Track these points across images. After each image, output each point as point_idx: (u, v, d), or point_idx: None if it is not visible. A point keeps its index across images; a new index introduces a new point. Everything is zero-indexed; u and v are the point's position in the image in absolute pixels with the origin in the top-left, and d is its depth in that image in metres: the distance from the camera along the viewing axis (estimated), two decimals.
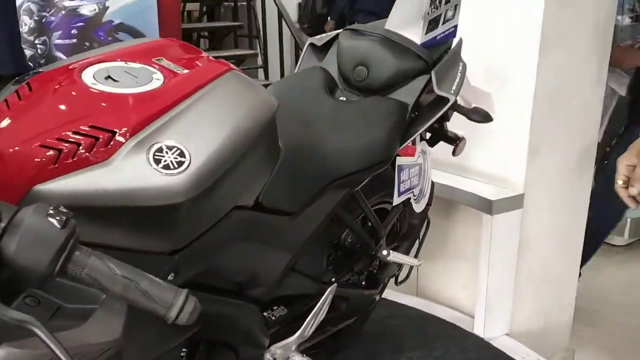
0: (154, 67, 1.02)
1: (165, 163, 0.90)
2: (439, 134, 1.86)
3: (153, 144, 0.91)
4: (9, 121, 0.90)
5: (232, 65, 1.10)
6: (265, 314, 1.46)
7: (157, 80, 0.99)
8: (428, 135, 1.88)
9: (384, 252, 1.63)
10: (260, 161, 1.14)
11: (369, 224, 1.62)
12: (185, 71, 1.04)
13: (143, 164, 0.89)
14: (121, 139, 0.89)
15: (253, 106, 1.08)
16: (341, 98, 1.56)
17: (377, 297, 1.86)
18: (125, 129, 0.89)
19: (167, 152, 0.91)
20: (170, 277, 0.99)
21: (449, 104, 1.55)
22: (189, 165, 0.92)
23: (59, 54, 3.98)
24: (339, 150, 1.39)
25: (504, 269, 2.22)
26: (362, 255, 1.65)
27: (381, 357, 2.06)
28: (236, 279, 1.25)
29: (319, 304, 1.50)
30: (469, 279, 2.34)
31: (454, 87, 1.57)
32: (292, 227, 1.31)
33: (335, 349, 1.96)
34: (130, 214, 0.89)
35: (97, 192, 0.86)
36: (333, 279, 1.58)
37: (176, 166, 0.91)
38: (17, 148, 0.86)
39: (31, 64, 3.39)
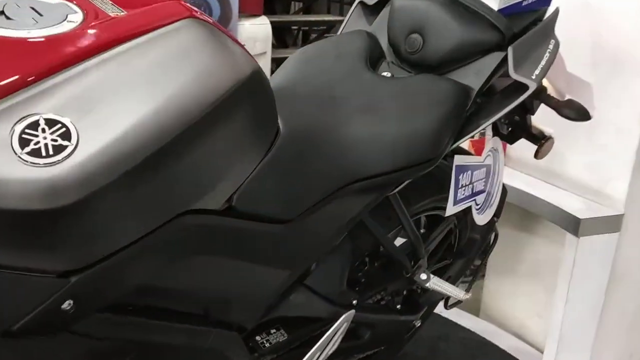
0: (75, 4, 0.72)
1: (36, 147, 0.60)
2: (521, 130, 1.47)
3: (24, 117, 0.61)
4: None
5: (196, 11, 0.78)
6: (257, 337, 1.16)
7: (69, 22, 0.69)
8: (506, 128, 1.50)
9: (423, 276, 1.27)
10: (230, 149, 0.82)
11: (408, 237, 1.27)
12: (122, 13, 0.73)
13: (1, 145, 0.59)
14: None
15: (212, 69, 0.76)
16: (385, 73, 1.21)
17: (418, 324, 1.50)
18: None
19: (43, 130, 0.61)
20: (66, 306, 0.69)
21: (527, 93, 1.17)
22: (72, 151, 0.62)
23: None
24: (367, 142, 1.05)
25: (588, 301, 1.80)
26: (393, 277, 1.31)
27: None
28: (205, 302, 0.95)
29: (329, 332, 1.18)
30: (544, 307, 1.94)
31: (536, 71, 1.17)
32: (291, 238, 0.99)
33: None
34: None
35: None
36: (354, 302, 1.25)
37: (51, 152, 0.60)
38: None
39: None
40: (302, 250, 1.03)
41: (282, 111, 0.98)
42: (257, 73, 0.83)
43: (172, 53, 0.73)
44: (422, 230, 1.52)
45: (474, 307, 2.15)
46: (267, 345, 1.15)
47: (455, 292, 1.29)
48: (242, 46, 0.84)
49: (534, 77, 1.16)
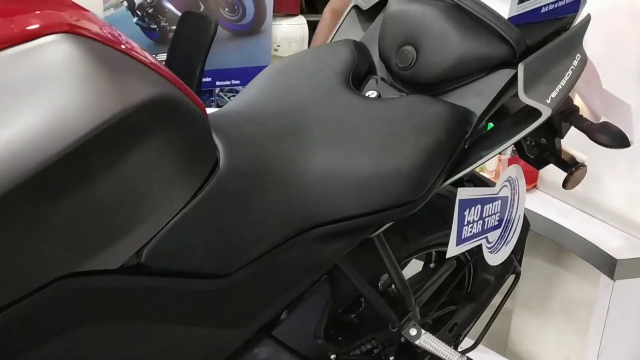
0: None
1: None
2: (549, 154, 1.26)
3: None
4: None
5: (78, 24, 0.61)
6: None
7: None
8: (533, 150, 1.29)
9: (412, 332, 1.08)
10: (124, 196, 0.65)
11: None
12: None
13: None
14: None
15: (82, 98, 0.58)
16: (370, 93, 1.02)
17: None
18: None
19: None
20: None
21: (539, 121, 0.96)
22: None
23: (169, 5, 3.72)
24: (332, 179, 0.86)
25: (624, 350, 1.57)
26: (379, 329, 1.12)
27: None
28: None
29: None
30: (575, 351, 1.71)
31: (553, 94, 0.96)
32: (231, 294, 0.82)
33: None
34: None
35: None
36: (332, 357, 1.07)
37: None
38: None
39: (139, 13, 3.14)
40: (249, 306, 0.86)
41: (228, 140, 0.81)
42: (166, 97, 0.66)
43: (29, 78, 0.57)
44: (432, 265, 1.33)
45: (499, 343, 1.94)
46: None
47: (448, 354, 1.09)
48: (155, 66, 0.68)
49: (549, 100, 0.95)
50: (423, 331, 1.08)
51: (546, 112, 0.94)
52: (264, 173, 0.83)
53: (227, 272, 0.79)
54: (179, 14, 3.32)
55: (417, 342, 1.08)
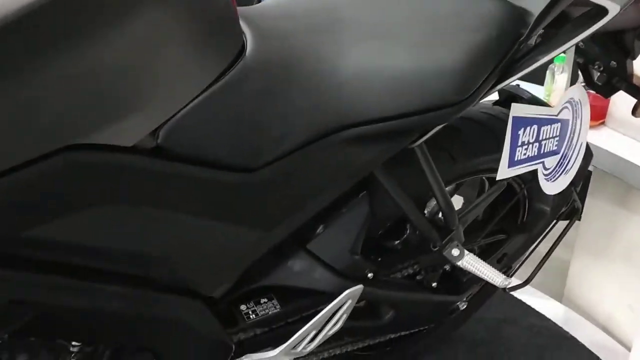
0: None
1: None
2: (619, 79, 1.16)
3: None
4: None
5: None
6: (243, 307, 0.98)
7: None
8: (601, 77, 1.19)
9: (454, 252, 1.02)
10: (140, 65, 0.61)
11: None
12: None
13: None
14: None
15: None
16: None
17: (462, 306, 1.25)
18: None
19: None
20: None
21: (606, 19, 0.86)
22: None
23: None
24: (368, 77, 0.80)
25: None
26: (421, 250, 1.06)
27: None
28: (142, 263, 0.76)
29: (328, 308, 0.97)
30: (637, 298, 1.61)
31: None
32: (257, 191, 0.78)
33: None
34: None
35: None
36: (370, 275, 1.03)
37: None
38: None
39: None
40: (276, 207, 0.82)
41: (257, 29, 0.76)
42: None
43: None
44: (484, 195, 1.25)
45: (556, 289, 1.85)
46: (254, 317, 0.97)
47: (493, 275, 1.03)
48: None
49: None
50: (466, 252, 1.02)
51: (614, 9, 0.85)
52: (294, 66, 0.78)
53: (252, 167, 0.75)
54: None
55: (459, 263, 1.02)
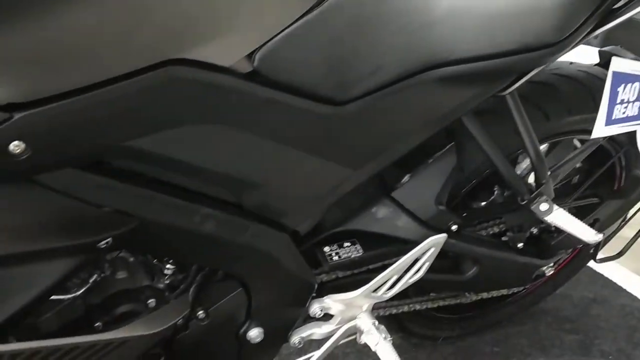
0: None
1: None
2: None
3: None
4: None
5: None
6: (326, 248, 1.00)
7: None
8: None
9: (543, 206, 1.00)
10: None
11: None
12: None
13: None
14: None
15: None
16: None
17: (549, 272, 1.23)
18: None
19: None
20: (14, 149, 0.59)
21: None
22: None
23: None
24: (459, 13, 0.80)
25: None
26: (508, 204, 1.05)
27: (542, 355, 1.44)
28: (233, 188, 0.80)
29: (410, 254, 0.98)
30: None
31: None
32: (347, 126, 0.80)
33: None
34: None
35: None
36: (454, 227, 1.03)
37: None
38: None
39: None
40: (364, 144, 0.83)
41: None
42: None
43: None
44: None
45: None
46: (336, 258, 0.99)
47: (583, 230, 0.99)
48: None
49: None
50: (555, 206, 1.00)
51: None
52: (387, 2, 0.78)
53: (342, 99, 0.77)
54: None
55: (547, 219, 1.00)
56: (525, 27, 0.79)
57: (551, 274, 1.24)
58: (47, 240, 0.68)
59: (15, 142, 0.59)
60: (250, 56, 0.69)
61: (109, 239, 0.70)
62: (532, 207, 1.00)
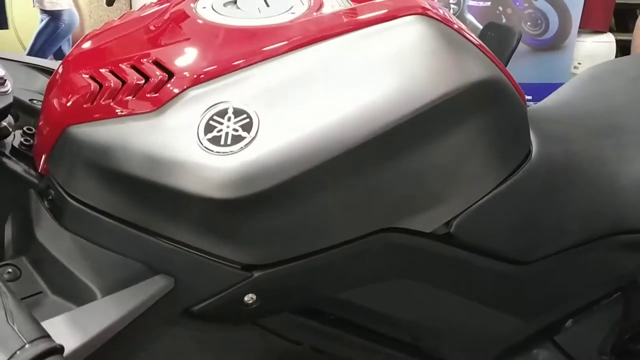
0: None
1: (217, 134, 0.58)
2: None
3: (217, 103, 0.59)
4: (100, 41, 0.70)
5: (429, 8, 0.68)
6: None
7: (291, 13, 0.67)
8: None
9: None
10: (453, 165, 0.71)
11: None
12: (350, 5, 0.68)
13: (188, 129, 0.59)
14: (174, 87, 0.60)
15: (432, 70, 0.66)
16: None
17: None
18: (188, 73, 0.60)
19: (229, 119, 0.59)
20: (249, 300, 0.68)
21: None
22: (248, 143, 0.58)
23: (470, 17, 3.79)
24: None
25: None
26: None
27: None
28: (413, 332, 0.86)
29: None
30: None
31: None
32: (525, 283, 0.84)
33: None
34: (170, 195, 0.61)
35: (128, 152, 0.60)
36: None
37: (228, 142, 0.58)
38: (73, 74, 0.65)
39: None
40: (540, 300, 0.86)
41: (541, 133, 0.83)
42: (496, 81, 0.70)
43: (388, 50, 0.65)
44: None
45: None
46: None
47: None
48: (484, 50, 0.72)
49: None
50: None
51: None
52: (576, 170, 0.83)
53: (527, 260, 0.81)
54: (480, 26, 3.37)
55: None
56: None
57: None
58: None
59: (250, 295, 0.67)
60: (448, 222, 0.75)
61: None
62: None
